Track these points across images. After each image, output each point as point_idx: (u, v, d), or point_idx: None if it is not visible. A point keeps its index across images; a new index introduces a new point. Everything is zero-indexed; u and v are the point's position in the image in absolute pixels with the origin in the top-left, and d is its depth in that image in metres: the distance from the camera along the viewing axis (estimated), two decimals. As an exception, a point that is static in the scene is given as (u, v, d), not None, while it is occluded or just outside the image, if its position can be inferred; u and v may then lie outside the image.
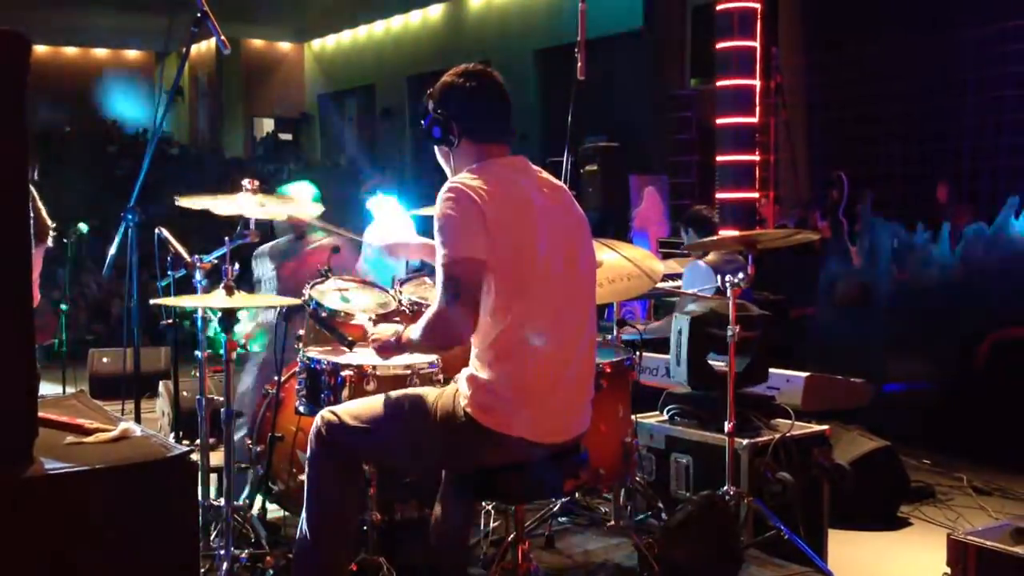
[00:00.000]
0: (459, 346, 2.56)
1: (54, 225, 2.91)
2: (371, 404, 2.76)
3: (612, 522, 3.86)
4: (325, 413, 2.76)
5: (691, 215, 5.85)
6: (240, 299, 3.15)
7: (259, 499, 3.70)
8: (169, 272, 3.44)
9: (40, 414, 1.81)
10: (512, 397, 2.54)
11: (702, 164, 11.07)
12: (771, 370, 4.88)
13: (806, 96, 9.64)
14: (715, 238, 4.92)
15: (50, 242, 2.93)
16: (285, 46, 23.73)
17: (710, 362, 4.14)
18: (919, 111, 8.66)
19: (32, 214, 1.84)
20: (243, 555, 3.19)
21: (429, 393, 2.72)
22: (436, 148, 2.76)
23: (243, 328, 4.17)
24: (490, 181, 2.55)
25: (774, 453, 3.82)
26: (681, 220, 6.14)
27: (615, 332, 4.18)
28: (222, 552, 3.10)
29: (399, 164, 18.50)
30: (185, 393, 4.28)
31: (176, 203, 3.26)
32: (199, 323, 3.34)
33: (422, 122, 2.72)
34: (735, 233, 5.31)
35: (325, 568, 2.76)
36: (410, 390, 2.87)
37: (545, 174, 2.77)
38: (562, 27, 12.25)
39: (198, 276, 3.39)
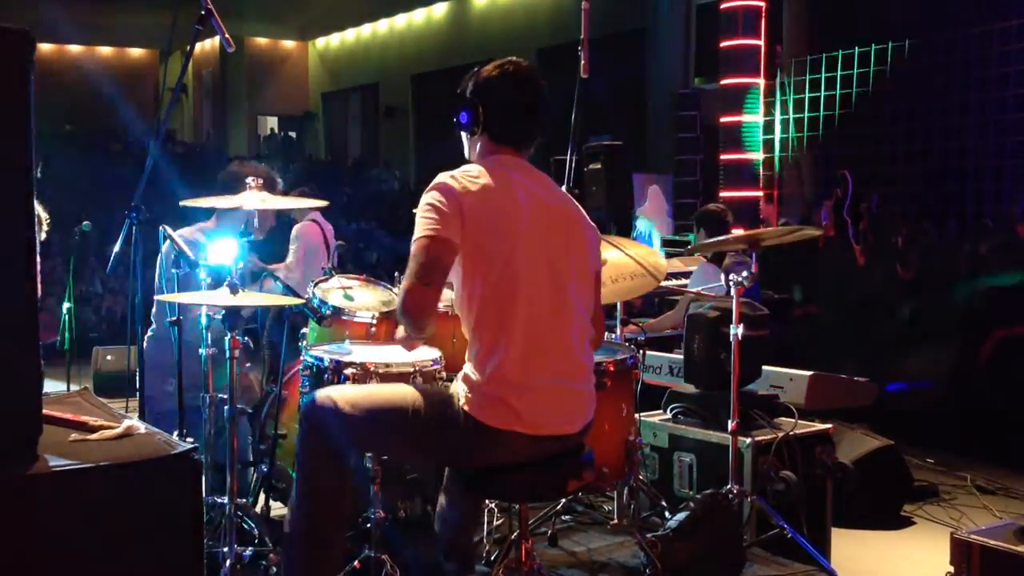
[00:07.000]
0: (428, 321, 2.55)
1: (47, 219, 2.89)
2: (369, 393, 2.72)
3: (615, 521, 3.86)
4: (320, 395, 2.68)
5: (702, 213, 5.75)
6: (244, 297, 3.15)
7: (262, 496, 3.70)
8: (173, 270, 3.43)
9: (44, 411, 1.81)
10: (502, 391, 2.52)
11: (706, 163, 11.08)
12: (775, 369, 4.89)
13: (810, 94, 9.62)
14: (720, 238, 4.90)
15: (43, 235, 2.91)
16: (289, 44, 23.72)
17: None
18: (924, 109, 8.64)
19: None
20: (246, 553, 3.18)
21: (429, 390, 2.71)
22: (461, 132, 2.78)
23: None
24: (480, 175, 2.59)
25: (777, 452, 3.82)
26: (693, 218, 6.06)
27: (619, 330, 4.18)
28: (225, 550, 3.10)
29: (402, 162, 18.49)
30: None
31: (180, 204, 3.27)
32: (200, 319, 3.33)
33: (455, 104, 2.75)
34: (739, 231, 5.30)
35: (316, 556, 2.67)
36: (411, 387, 2.86)
37: (543, 175, 2.76)
38: (565, 26, 12.24)
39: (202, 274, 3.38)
